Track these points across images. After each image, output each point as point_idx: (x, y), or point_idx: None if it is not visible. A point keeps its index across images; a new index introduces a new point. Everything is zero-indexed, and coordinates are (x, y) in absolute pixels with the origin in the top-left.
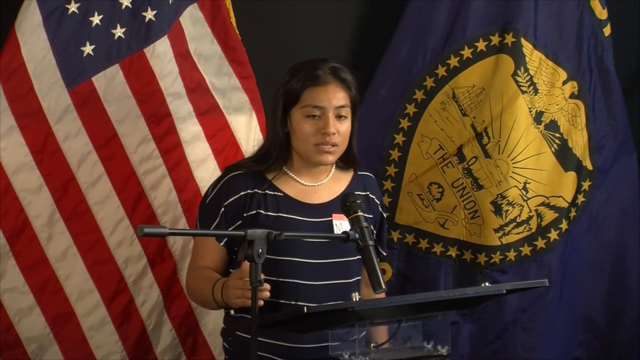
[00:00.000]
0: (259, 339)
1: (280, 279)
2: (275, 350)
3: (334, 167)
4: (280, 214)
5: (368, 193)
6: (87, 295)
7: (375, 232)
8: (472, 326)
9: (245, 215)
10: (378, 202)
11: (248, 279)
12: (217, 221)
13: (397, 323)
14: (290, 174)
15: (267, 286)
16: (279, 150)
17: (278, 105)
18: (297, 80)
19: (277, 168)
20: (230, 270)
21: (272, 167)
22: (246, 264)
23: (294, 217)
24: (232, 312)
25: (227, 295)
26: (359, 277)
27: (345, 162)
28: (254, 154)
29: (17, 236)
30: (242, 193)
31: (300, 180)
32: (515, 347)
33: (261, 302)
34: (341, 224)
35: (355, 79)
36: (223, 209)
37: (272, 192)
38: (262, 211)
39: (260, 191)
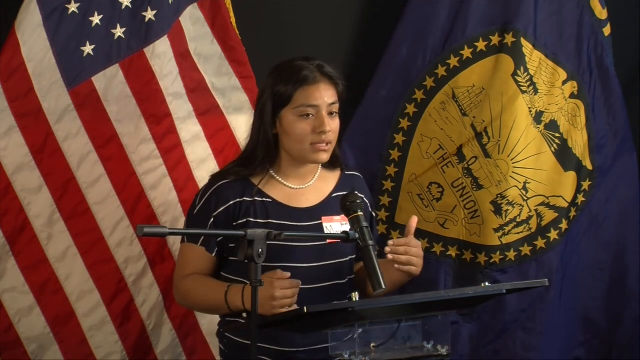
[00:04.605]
0: (257, 344)
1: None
2: (270, 354)
3: (320, 167)
4: (269, 221)
5: (356, 192)
6: (87, 295)
7: None
8: (472, 326)
9: (235, 224)
10: (367, 202)
11: (294, 287)
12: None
13: (397, 323)
14: (278, 177)
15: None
16: (266, 152)
17: (266, 107)
18: (286, 82)
19: (263, 171)
20: (223, 274)
21: (258, 171)
22: (280, 273)
23: (284, 222)
24: (244, 314)
25: (269, 306)
26: (352, 276)
27: (329, 160)
28: (237, 158)
29: (17, 236)
30: (232, 202)
31: (287, 184)
32: (515, 347)
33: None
34: (331, 226)
35: (340, 73)
36: (212, 220)
37: (260, 199)
38: (251, 219)
39: (249, 198)
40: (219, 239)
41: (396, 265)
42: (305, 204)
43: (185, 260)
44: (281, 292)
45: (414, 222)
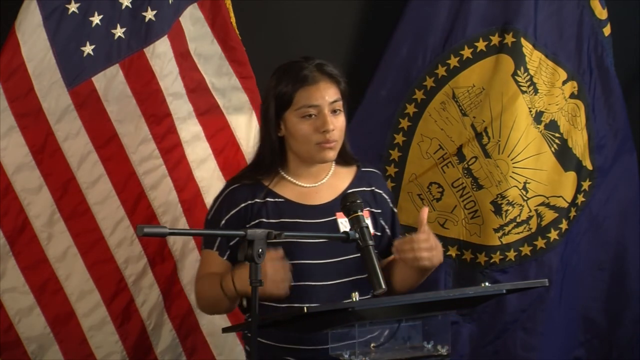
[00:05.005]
0: (281, 345)
1: (292, 283)
2: (295, 354)
3: (333, 164)
4: (282, 219)
5: (374, 188)
6: (87, 295)
7: (388, 227)
8: (472, 326)
9: (247, 226)
10: (387, 197)
11: (282, 263)
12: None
13: (397, 323)
14: (288, 177)
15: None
16: (272, 154)
17: (269, 110)
18: (286, 84)
19: (273, 173)
20: None
21: (268, 173)
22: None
23: (297, 220)
24: (244, 301)
25: (267, 286)
26: None
27: (340, 156)
28: (250, 162)
29: (17, 236)
30: (242, 205)
31: (299, 183)
32: (515, 347)
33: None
34: (346, 222)
35: (341, 71)
36: (224, 223)
37: (272, 199)
38: (264, 219)
39: (260, 200)
40: (230, 243)
41: (402, 262)
42: (318, 201)
43: (202, 266)
44: (272, 267)
45: (424, 214)
